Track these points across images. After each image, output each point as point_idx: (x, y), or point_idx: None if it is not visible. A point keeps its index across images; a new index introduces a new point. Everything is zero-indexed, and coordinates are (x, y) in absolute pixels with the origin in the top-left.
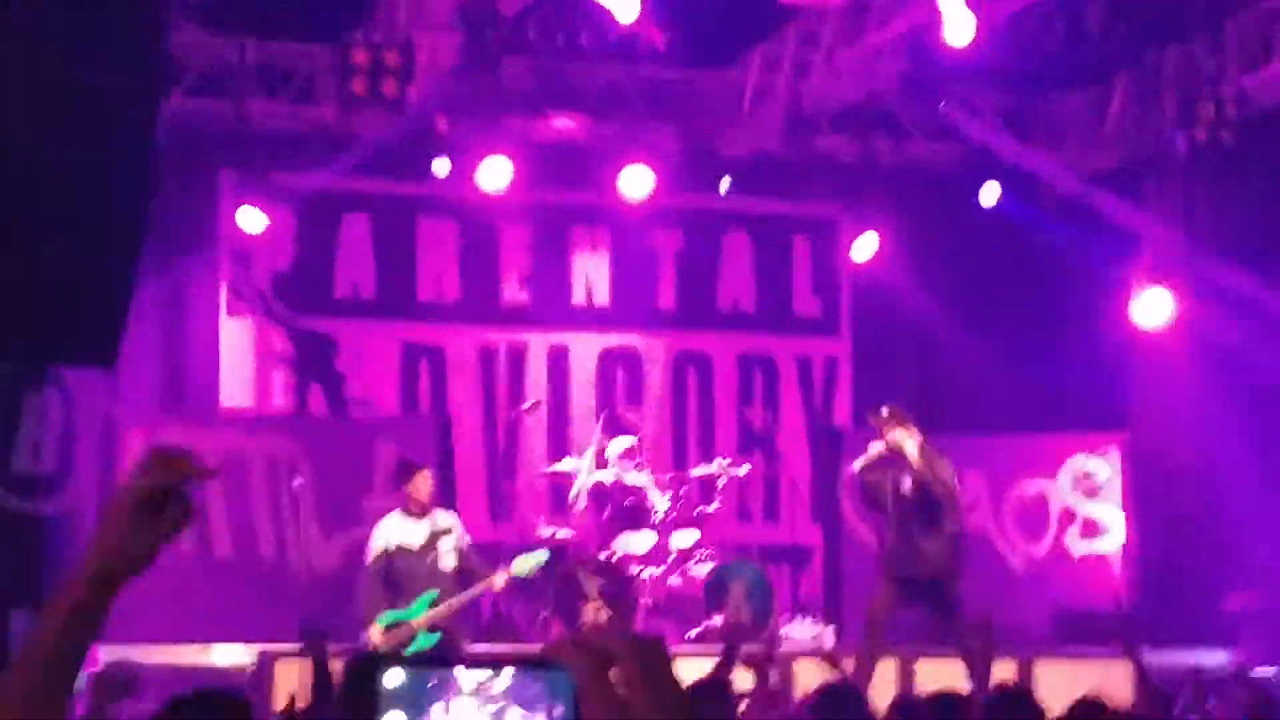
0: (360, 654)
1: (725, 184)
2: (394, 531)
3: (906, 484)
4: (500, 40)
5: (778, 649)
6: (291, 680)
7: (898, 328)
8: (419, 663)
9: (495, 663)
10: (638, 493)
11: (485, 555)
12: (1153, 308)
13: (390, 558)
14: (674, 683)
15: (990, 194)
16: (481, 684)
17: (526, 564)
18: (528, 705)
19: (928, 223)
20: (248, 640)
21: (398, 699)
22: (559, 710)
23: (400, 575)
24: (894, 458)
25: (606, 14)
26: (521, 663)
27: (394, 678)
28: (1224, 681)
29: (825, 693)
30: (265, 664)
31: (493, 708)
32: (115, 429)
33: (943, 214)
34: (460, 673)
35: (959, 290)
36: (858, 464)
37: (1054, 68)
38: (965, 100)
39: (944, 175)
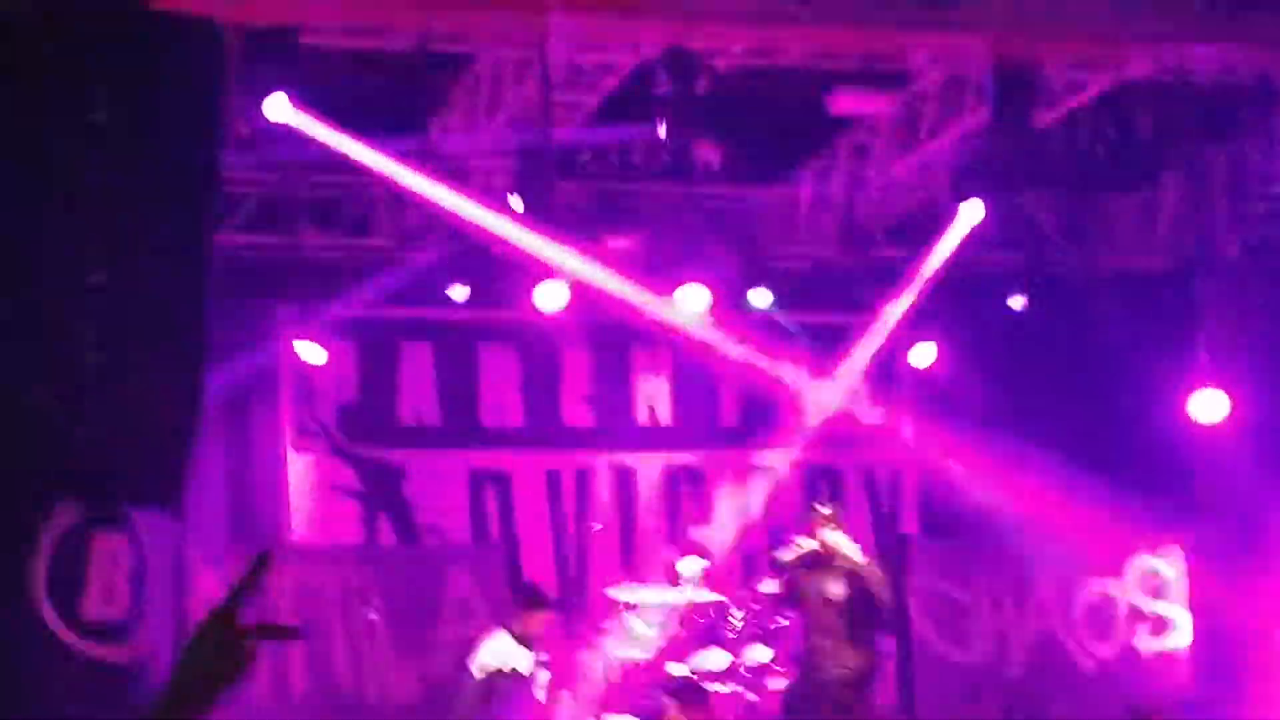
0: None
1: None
2: (506, 652)
3: (836, 589)
4: (554, 163)
5: None
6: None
7: (961, 434)
8: None
9: None
10: (711, 611)
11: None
12: (1210, 405)
13: (501, 676)
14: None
15: (1018, 301)
16: None
17: None
18: None
19: (986, 326)
20: None
21: None
22: None
23: (502, 696)
24: (824, 557)
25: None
26: None
27: None
28: None
29: None
30: None
31: None
32: (185, 570)
33: (1000, 317)
34: None
35: (1019, 393)
36: (786, 555)
37: (1105, 169)
38: (1018, 205)
39: (999, 280)
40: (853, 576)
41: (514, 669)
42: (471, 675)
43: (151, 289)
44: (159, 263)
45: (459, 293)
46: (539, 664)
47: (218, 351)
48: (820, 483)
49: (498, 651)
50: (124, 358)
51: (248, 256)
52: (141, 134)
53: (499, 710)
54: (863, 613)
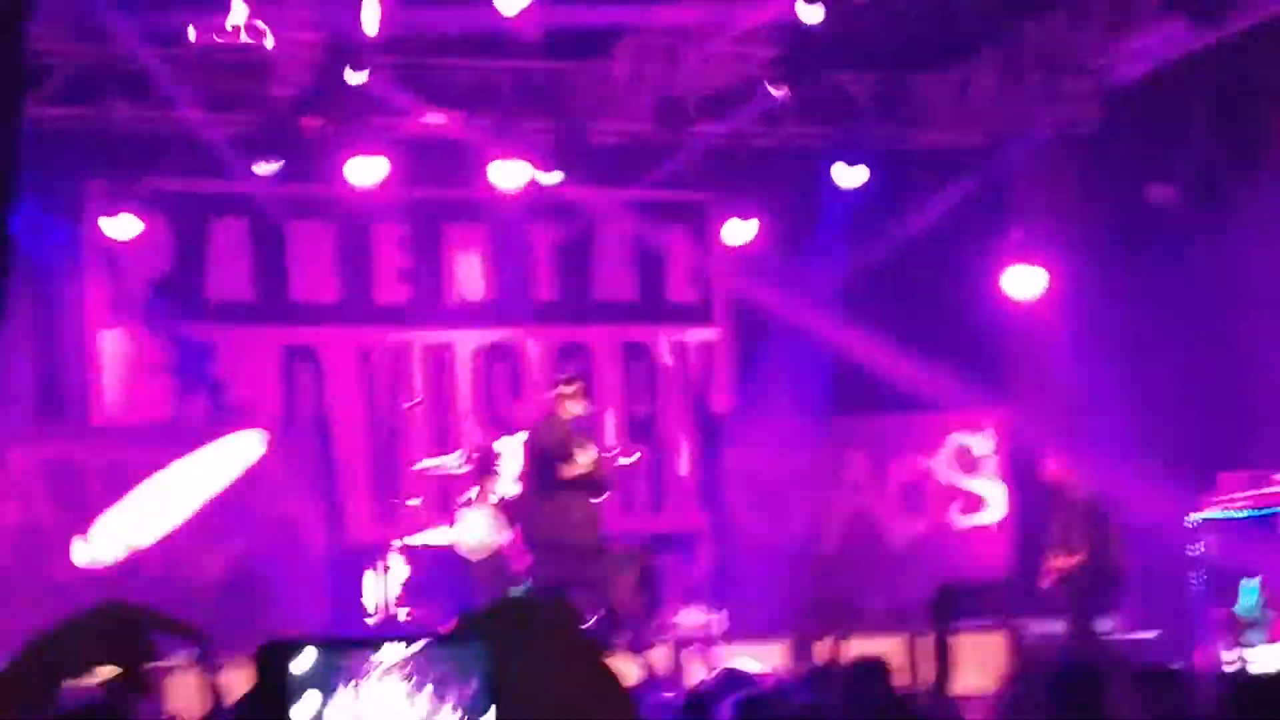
0: (270, 640)
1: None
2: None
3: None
4: (366, 38)
5: (671, 635)
6: (181, 692)
7: (774, 312)
8: (330, 644)
9: (408, 639)
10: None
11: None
12: (1023, 282)
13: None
14: (588, 643)
15: (845, 176)
16: (394, 663)
17: None
18: (441, 682)
19: (801, 205)
20: None
21: (310, 681)
22: (473, 685)
23: None
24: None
25: (474, 8)
26: (435, 638)
27: (304, 660)
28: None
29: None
30: (155, 676)
31: (405, 686)
32: None
33: (815, 196)
34: (371, 652)
35: (833, 272)
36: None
37: (921, 46)
38: (833, 80)
39: (815, 156)
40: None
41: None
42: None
43: None
44: None
45: (265, 168)
46: None
47: (25, 226)
48: (635, 360)
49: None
50: None
51: (57, 129)
52: None
53: None
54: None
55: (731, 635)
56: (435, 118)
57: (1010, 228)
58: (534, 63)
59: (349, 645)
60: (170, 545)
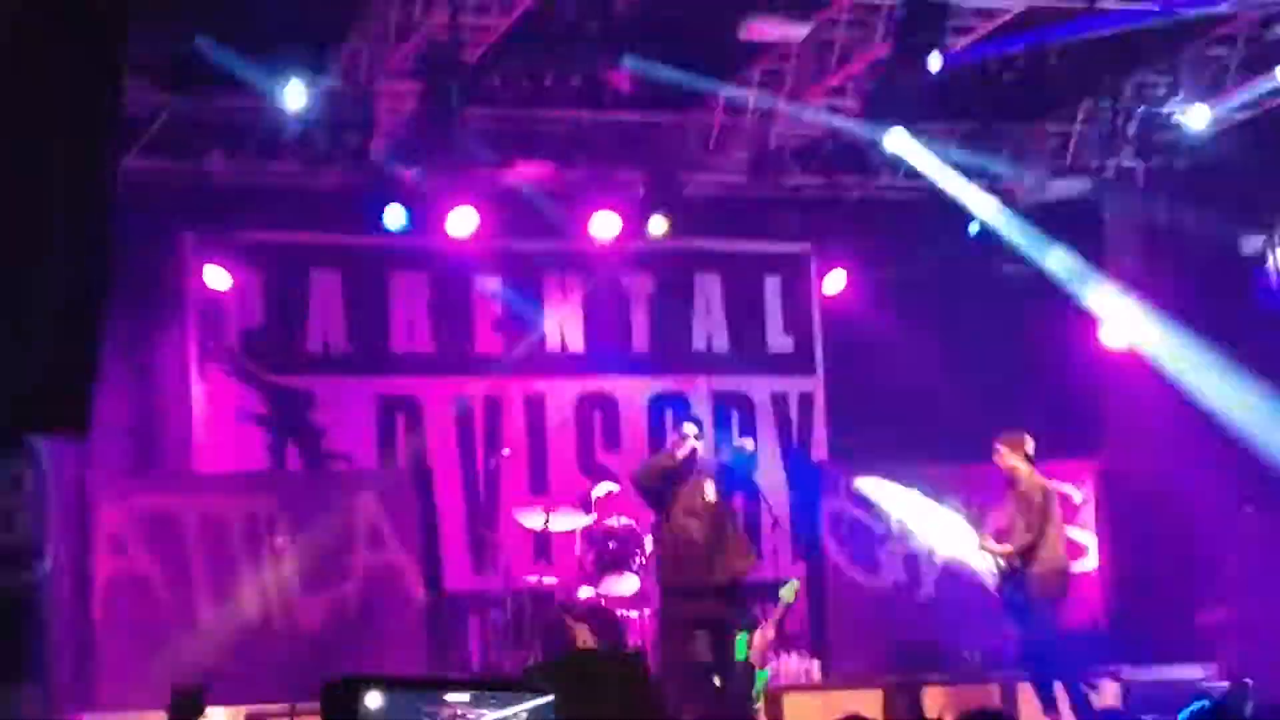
0: (340, 677)
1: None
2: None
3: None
4: (462, 88)
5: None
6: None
7: (872, 361)
8: (398, 685)
9: (476, 686)
10: (621, 536)
11: (465, 604)
12: (1118, 332)
13: None
14: (654, 697)
15: (975, 225)
16: (462, 707)
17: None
18: None
19: (897, 254)
20: (235, 703)
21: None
22: None
23: None
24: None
25: (570, 58)
26: (503, 687)
27: (374, 699)
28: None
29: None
30: None
31: None
32: (89, 498)
33: (912, 245)
34: (439, 695)
35: (931, 321)
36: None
37: (1014, 96)
38: (926, 131)
39: (909, 207)
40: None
41: None
42: None
43: (52, 216)
44: (59, 188)
45: (395, 217)
46: None
47: (124, 278)
48: (731, 409)
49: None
50: (26, 286)
51: (154, 182)
52: (40, 61)
53: None
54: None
55: (828, 683)
56: (530, 169)
57: (1106, 278)
58: (629, 113)
59: (417, 687)
60: (269, 593)
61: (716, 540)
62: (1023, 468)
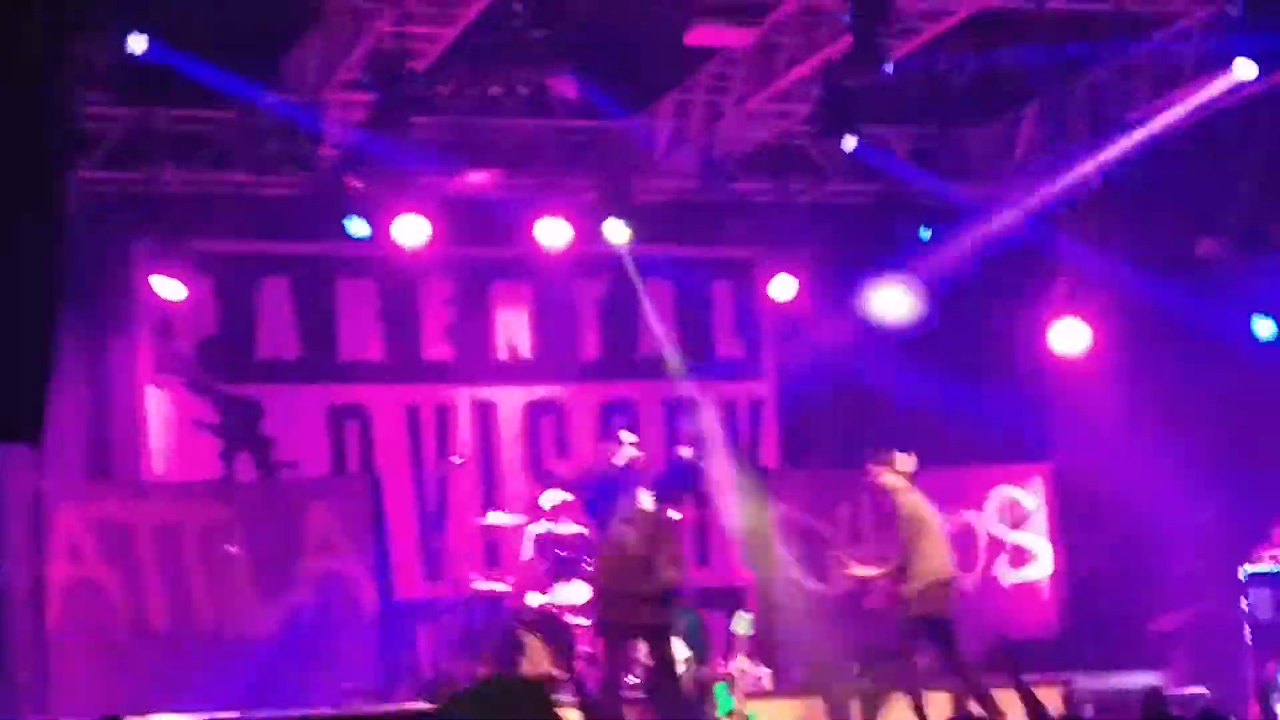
0: None
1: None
2: None
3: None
4: (410, 97)
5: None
6: None
7: (820, 366)
8: None
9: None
10: (571, 543)
11: (417, 611)
12: (1070, 336)
13: None
14: None
15: (926, 231)
16: None
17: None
18: None
19: (846, 259)
20: (190, 710)
21: None
22: None
23: None
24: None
25: (517, 68)
26: (411, 717)
27: None
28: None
29: None
30: None
31: None
32: (44, 504)
33: (860, 250)
34: None
35: (880, 326)
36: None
37: (963, 100)
38: (876, 135)
39: (860, 211)
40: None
41: None
42: None
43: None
44: (9, 200)
45: (358, 227)
46: None
47: (77, 287)
48: (680, 415)
49: None
50: None
51: (106, 192)
52: None
53: None
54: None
55: (779, 691)
56: (479, 177)
57: (1056, 282)
58: (577, 121)
59: None
60: (222, 600)
61: (651, 549)
62: (894, 484)
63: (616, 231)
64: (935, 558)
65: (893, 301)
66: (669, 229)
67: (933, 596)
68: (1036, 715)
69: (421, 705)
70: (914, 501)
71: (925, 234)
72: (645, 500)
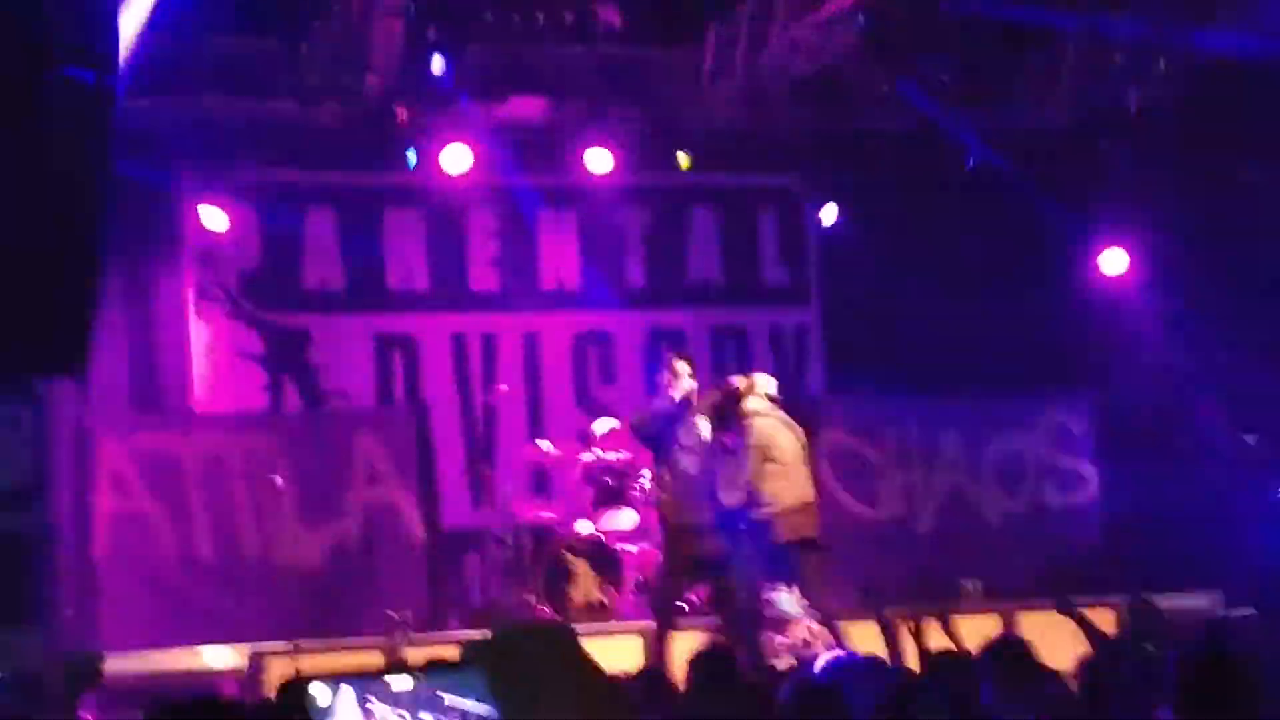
0: (293, 676)
1: (684, 159)
2: None
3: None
4: (455, 25)
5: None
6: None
7: (868, 293)
8: (344, 678)
9: (411, 669)
10: (619, 471)
11: (465, 541)
12: (1114, 261)
13: None
14: (590, 668)
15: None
16: (399, 692)
17: None
18: (440, 709)
19: (892, 188)
20: (238, 640)
21: (326, 714)
22: (475, 711)
23: None
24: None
25: None
26: (437, 667)
27: (322, 694)
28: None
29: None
30: (256, 664)
31: (407, 715)
32: (89, 437)
33: (906, 179)
34: (383, 682)
35: (926, 253)
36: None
37: (1005, 29)
38: (919, 67)
39: (903, 141)
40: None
41: None
42: None
43: (49, 156)
44: (57, 127)
45: (411, 156)
46: None
47: (120, 218)
48: (727, 343)
49: None
50: (22, 228)
51: (150, 122)
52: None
53: None
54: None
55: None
56: (523, 105)
57: (1101, 207)
58: (621, 50)
59: (361, 677)
60: (269, 531)
61: (711, 476)
62: (755, 408)
63: (682, 159)
64: (793, 486)
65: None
66: (713, 158)
67: (794, 523)
68: (1092, 638)
69: (471, 634)
70: (770, 426)
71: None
72: (703, 429)
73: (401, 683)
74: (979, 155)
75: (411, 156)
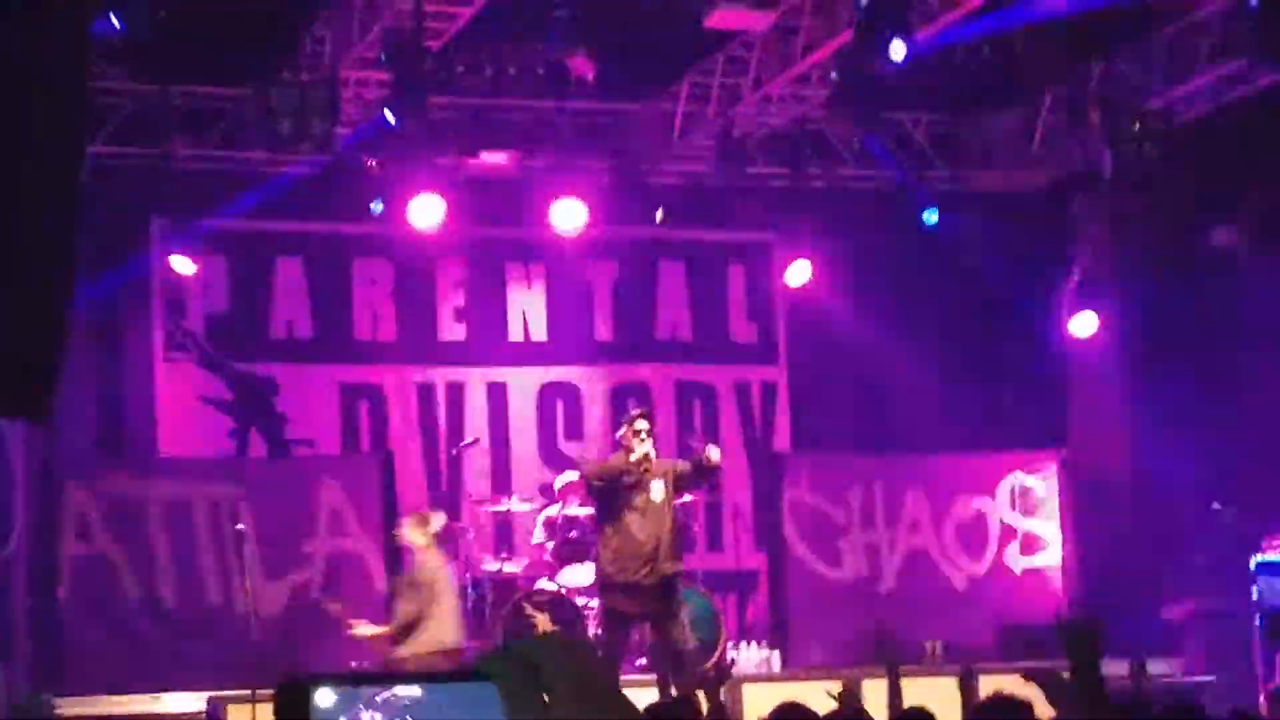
0: (291, 676)
1: (660, 215)
2: None
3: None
4: (427, 77)
5: (727, 675)
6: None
7: (835, 351)
8: (349, 681)
9: (421, 678)
10: (582, 524)
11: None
12: (1083, 324)
13: None
14: (611, 686)
15: (932, 216)
16: (410, 701)
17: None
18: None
19: (861, 245)
20: (198, 687)
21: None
22: None
23: None
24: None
25: (533, 47)
26: (449, 677)
27: (325, 697)
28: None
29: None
30: (215, 710)
31: None
32: (55, 479)
33: (876, 236)
34: (388, 689)
35: (894, 312)
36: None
37: (982, 87)
38: (894, 122)
39: (875, 197)
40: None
41: None
42: None
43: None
44: (25, 172)
45: (378, 206)
46: None
47: (89, 263)
48: (694, 399)
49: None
50: None
51: (121, 168)
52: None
53: None
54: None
55: (788, 674)
56: (494, 157)
57: (1071, 270)
58: (592, 103)
59: (367, 682)
60: (231, 579)
61: (657, 540)
62: (420, 543)
63: (659, 216)
64: (444, 624)
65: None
66: (683, 212)
67: (430, 665)
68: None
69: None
70: (435, 566)
71: (931, 218)
72: (656, 491)
73: (407, 691)
74: (944, 212)
75: (376, 206)
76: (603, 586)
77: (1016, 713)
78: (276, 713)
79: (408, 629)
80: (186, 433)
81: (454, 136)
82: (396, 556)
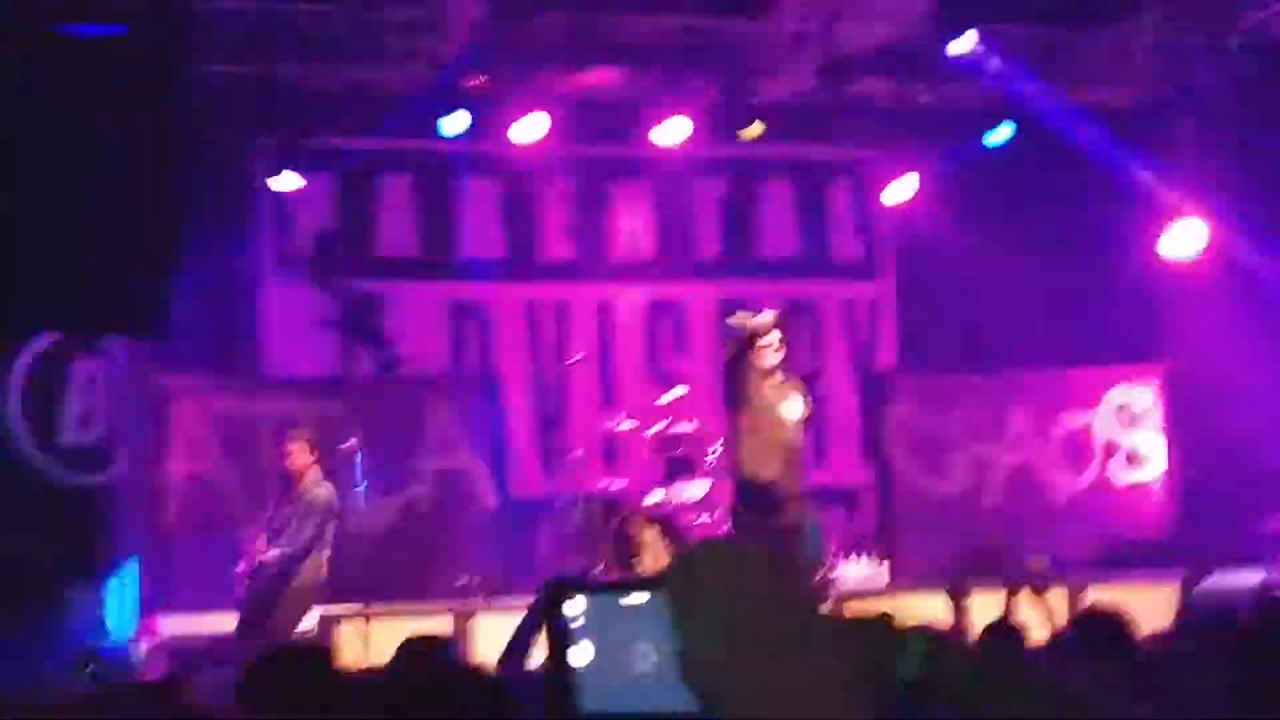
0: (554, 581)
1: (753, 128)
2: None
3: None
4: None
5: (834, 589)
6: (353, 642)
7: (939, 268)
8: (594, 590)
9: (648, 585)
10: (690, 439)
11: (535, 509)
12: (1184, 239)
13: None
14: (806, 597)
15: (1001, 134)
16: (637, 606)
17: None
18: (653, 627)
19: (965, 162)
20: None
21: (579, 623)
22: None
23: None
24: None
25: None
26: (660, 580)
27: (576, 604)
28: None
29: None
30: (325, 627)
31: (644, 628)
32: (165, 398)
33: (978, 153)
34: (624, 597)
35: (997, 228)
36: None
37: (1082, 1)
38: (994, 38)
39: (978, 114)
40: None
41: None
42: None
43: (125, 121)
44: (132, 93)
45: (456, 123)
46: None
47: (199, 184)
48: (800, 315)
49: None
50: (100, 191)
51: (227, 88)
52: None
53: None
54: None
55: (894, 587)
56: (600, 74)
57: (1171, 183)
58: (698, 19)
59: (605, 591)
60: (341, 497)
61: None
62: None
63: (752, 129)
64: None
65: None
66: (788, 129)
67: (310, 598)
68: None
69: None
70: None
71: (1001, 136)
72: (801, 403)
73: (637, 597)
74: (1055, 127)
75: (455, 122)
76: (745, 489)
77: (1115, 625)
78: (538, 609)
79: (299, 558)
80: (295, 352)
81: (560, 53)
82: (504, 473)
